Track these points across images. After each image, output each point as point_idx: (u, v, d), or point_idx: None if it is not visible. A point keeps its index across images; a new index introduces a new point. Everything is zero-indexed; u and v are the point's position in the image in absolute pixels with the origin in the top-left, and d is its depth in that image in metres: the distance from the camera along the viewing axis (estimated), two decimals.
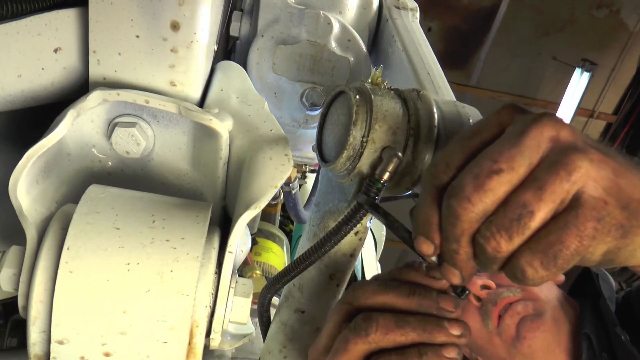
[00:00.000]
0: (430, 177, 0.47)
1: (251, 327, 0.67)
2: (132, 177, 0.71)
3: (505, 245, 0.42)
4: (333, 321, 0.56)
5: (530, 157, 0.42)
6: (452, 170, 0.45)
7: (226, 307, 0.60)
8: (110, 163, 0.70)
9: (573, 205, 0.41)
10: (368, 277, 1.56)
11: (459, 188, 0.43)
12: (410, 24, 0.89)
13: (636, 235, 0.42)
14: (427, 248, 0.47)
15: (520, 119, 0.44)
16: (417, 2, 0.97)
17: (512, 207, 0.42)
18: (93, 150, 0.69)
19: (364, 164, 0.53)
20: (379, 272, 1.64)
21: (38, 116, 0.70)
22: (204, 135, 0.67)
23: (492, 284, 1.00)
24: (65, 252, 0.54)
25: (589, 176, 0.41)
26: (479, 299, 1.01)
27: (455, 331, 0.51)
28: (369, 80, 0.57)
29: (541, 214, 0.41)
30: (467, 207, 0.42)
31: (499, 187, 0.42)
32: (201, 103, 0.71)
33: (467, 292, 0.51)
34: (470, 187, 0.42)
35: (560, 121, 0.43)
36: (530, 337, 0.94)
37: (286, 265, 0.61)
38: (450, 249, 0.45)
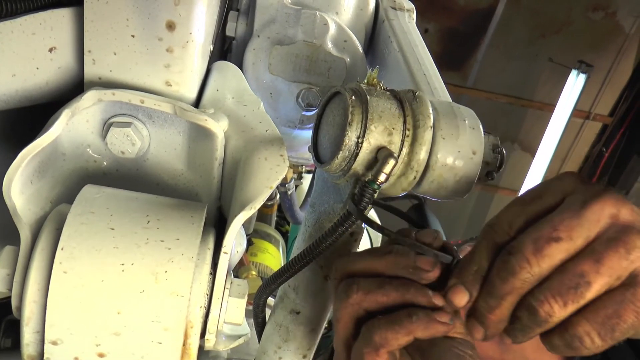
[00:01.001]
0: (491, 232, 0.49)
1: (246, 328, 0.67)
2: (127, 177, 0.71)
3: (558, 311, 0.44)
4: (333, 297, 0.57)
5: (589, 230, 0.44)
6: (513, 231, 0.47)
7: (221, 307, 0.60)
8: (105, 163, 0.70)
9: (631, 283, 0.43)
10: None
11: (519, 248, 0.45)
12: (406, 25, 0.89)
13: None
14: (461, 298, 0.49)
15: (583, 190, 0.46)
16: (414, 4, 0.97)
17: (570, 275, 0.44)
18: (88, 150, 0.69)
19: (360, 165, 0.53)
20: None
21: (33, 116, 0.69)
22: (200, 135, 0.67)
23: None
24: (59, 253, 0.54)
25: None
26: None
27: (439, 301, 0.50)
28: (365, 81, 0.57)
29: (597, 285, 0.43)
30: (525, 266, 0.45)
31: (557, 254, 0.44)
32: (197, 103, 0.71)
33: (455, 260, 0.51)
34: (530, 250, 0.45)
35: (621, 199, 0.45)
36: None
37: (282, 266, 0.61)
38: (487, 305, 0.47)
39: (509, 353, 0.95)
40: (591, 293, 0.43)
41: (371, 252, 0.55)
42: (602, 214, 0.44)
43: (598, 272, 0.43)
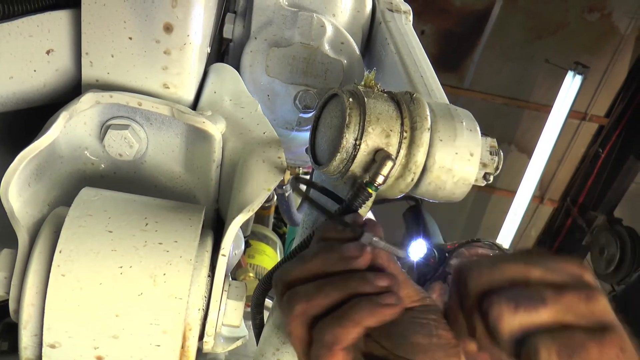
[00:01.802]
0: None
1: (244, 330, 0.67)
2: (125, 179, 0.71)
3: (507, 316, 0.44)
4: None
5: (545, 271, 0.46)
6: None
7: (219, 310, 0.60)
8: (103, 165, 0.70)
9: (604, 328, 0.44)
10: None
11: (476, 263, 0.48)
12: (403, 27, 0.89)
13: None
14: (472, 346, 0.50)
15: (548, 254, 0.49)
16: (410, 5, 0.97)
17: (529, 290, 0.45)
18: (86, 152, 0.69)
19: (357, 167, 0.53)
20: None
21: (30, 118, 0.69)
22: (197, 137, 0.67)
23: None
24: (57, 255, 0.54)
25: (608, 312, 0.45)
26: None
27: (383, 282, 0.49)
28: (362, 83, 0.57)
29: (552, 310, 0.44)
30: (475, 276, 0.47)
31: (510, 269, 0.46)
32: (194, 105, 0.71)
33: (361, 231, 0.49)
34: (485, 264, 0.48)
35: (585, 266, 0.47)
36: None
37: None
38: (469, 326, 0.48)
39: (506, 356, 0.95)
40: (545, 313, 0.44)
41: (300, 257, 0.53)
42: (564, 269, 0.46)
43: (557, 302, 0.44)
